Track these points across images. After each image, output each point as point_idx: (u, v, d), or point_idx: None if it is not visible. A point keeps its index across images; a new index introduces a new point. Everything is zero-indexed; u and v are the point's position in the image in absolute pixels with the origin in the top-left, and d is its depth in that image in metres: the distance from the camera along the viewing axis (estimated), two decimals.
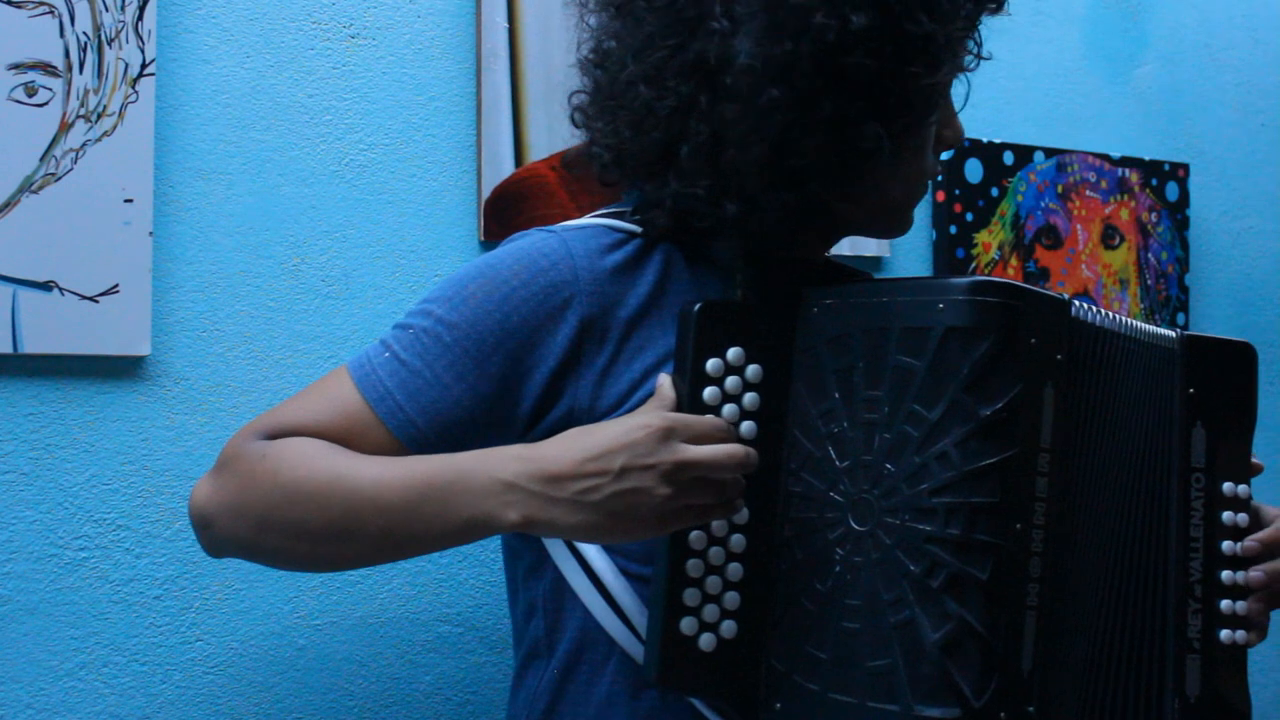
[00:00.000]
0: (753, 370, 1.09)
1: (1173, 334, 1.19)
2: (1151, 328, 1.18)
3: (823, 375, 1.10)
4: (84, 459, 1.42)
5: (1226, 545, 1.19)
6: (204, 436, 1.46)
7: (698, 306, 1.08)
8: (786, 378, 1.11)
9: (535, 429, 1.13)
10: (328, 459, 1.08)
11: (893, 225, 1.24)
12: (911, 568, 1.04)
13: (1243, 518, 1.20)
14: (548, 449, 1.05)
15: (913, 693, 1.02)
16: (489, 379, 1.12)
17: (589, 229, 1.18)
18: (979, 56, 1.20)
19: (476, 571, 1.58)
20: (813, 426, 1.10)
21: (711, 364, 1.08)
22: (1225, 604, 1.18)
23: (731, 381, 1.09)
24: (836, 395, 1.09)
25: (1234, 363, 1.22)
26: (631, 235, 1.18)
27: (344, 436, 1.11)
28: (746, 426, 1.09)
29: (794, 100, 1.07)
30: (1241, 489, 1.20)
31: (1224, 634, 1.18)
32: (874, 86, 1.08)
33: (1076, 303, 1.12)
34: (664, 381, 1.08)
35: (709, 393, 1.08)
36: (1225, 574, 1.18)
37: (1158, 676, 1.15)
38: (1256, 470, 1.23)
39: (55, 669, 1.40)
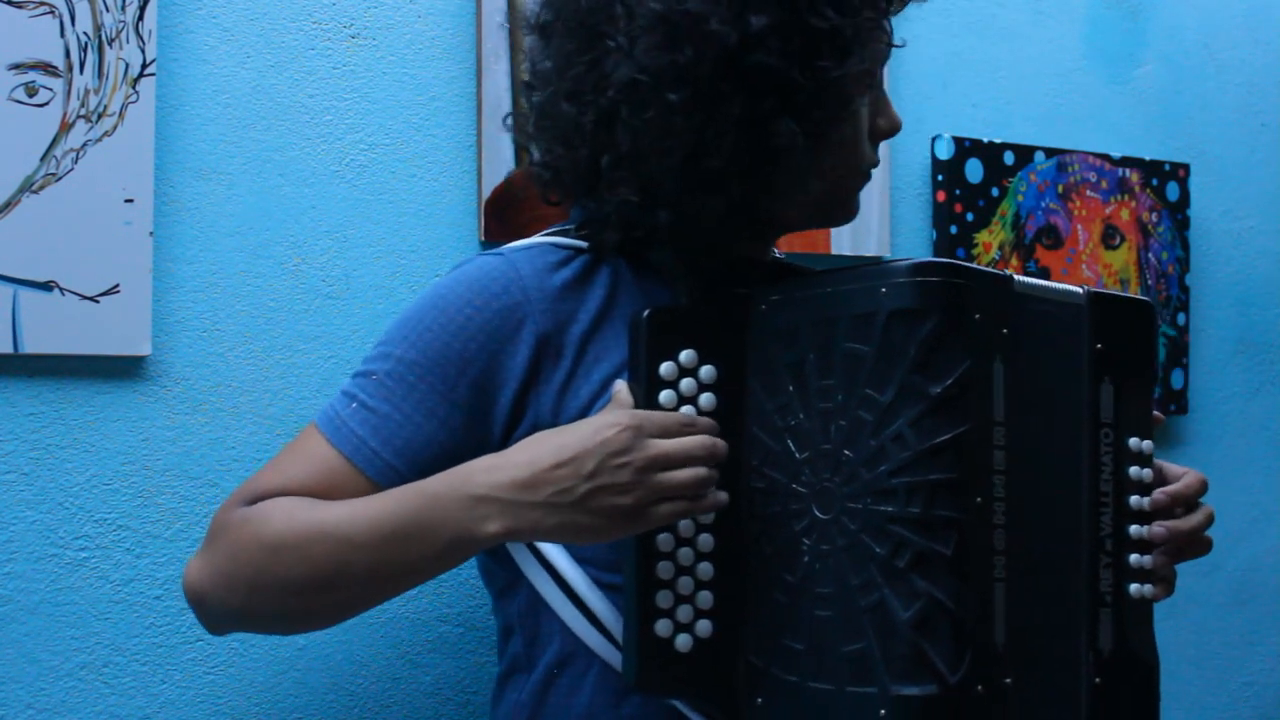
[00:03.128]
0: (706, 371, 1.10)
1: (1080, 290, 1.19)
2: (1061, 285, 1.18)
3: (776, 370, 1.11)
4: (84, 459, 1.42)
5: (1134, 500, 1.19)
6: (204, 436, 1.47)
7: (646, 313, 1.09)
8: (741, 376, 1.12)
9: (505, 448, 1.13)
10: (306, 511, 1.10)
11: (834, 216, 1.25)
12: (877, 550, 1.05)
13: (1147, 473, 1.20)
14: (516, 456, 1.06)
15: (889, 673, 1.03)
16: (458, 409, 1.13)
17: (535, 248, 1.19)
18: (890, 45, 1.20)
19: (476, 572, 1.57)
20: (770, 422, 1.11)
21: (665, 368, 1.09)
22: (1134, 558, 1.19)
23: (686, 384, 1.10)
24: (791, 389, 1.10)
25: (1137, 319, 1.22)
26: (578, 251, 1.19)
27: (326, 492, 1.12)
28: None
29: (701, 104, 1.09)
30: (1146, 444, 1.21)
31: (1133, 588, 1.18)
32: (782, 84, 1.10)
33: (1021, 278, 1.13)
34: (620, 387, 1.09)
35: (664, 396, 1.09)
36: (1133, 528, 1.19)
37: (1073, 631, 1.15)
38: (1157, 423, 1.24)
39: (56, 669, 1.40)
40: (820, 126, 1.13)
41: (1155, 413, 1.23)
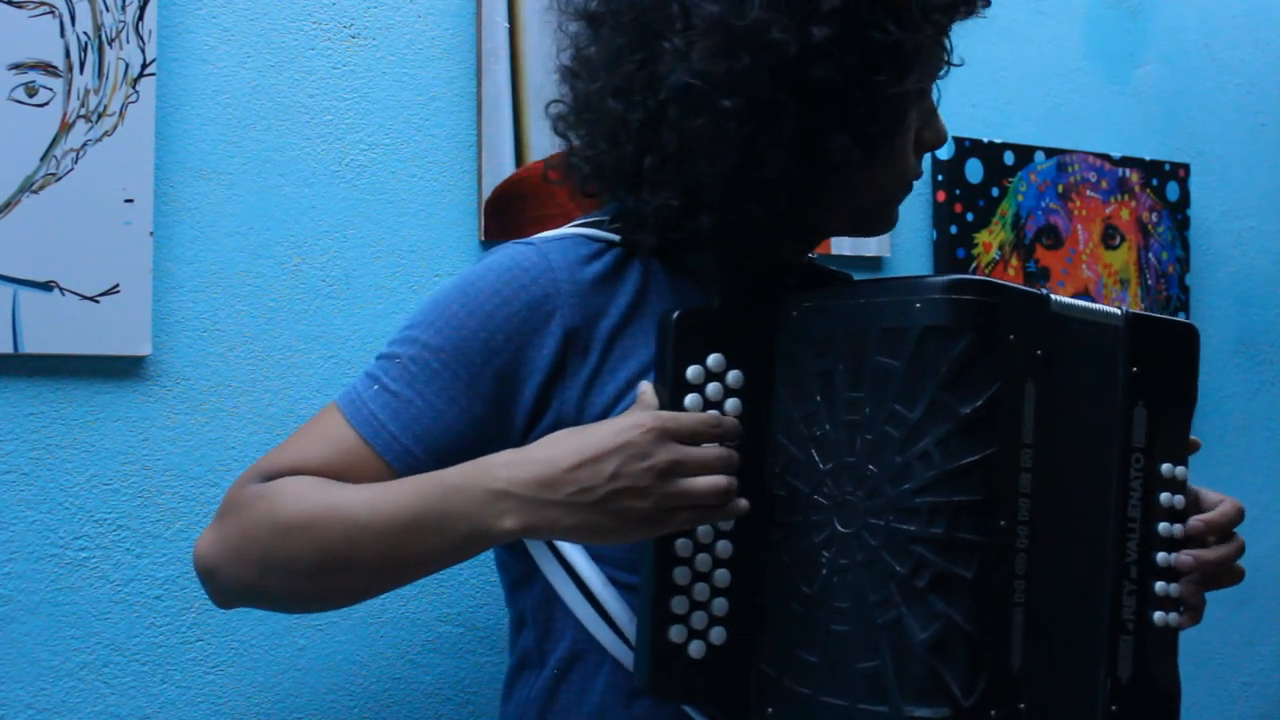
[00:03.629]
0: (733, 376, 1.09)
1: (1118, 311, 1.17)
2: (1098, 306, 1.17)
3: (804, 378, 1.10)
4: (84, 459, 1.42)
5: (1163, 527, 1.17)
6: (204, 436, 1.47)
7: (676, 314, 1.08)
8: (768, 382, 1.11)
9: (526, 441, 1.12)
10: (321, 492, 1.09)
11: (874, 226, 1.24)
12: (897, 568, 1.04)
13: (1179, 499, 1.18)
14: (537, 452, 1.04)
15: (902, 693, 1.02)
16: (481, 399, 1.12)
17: (567, 239, 1.18)
18: (949, 63, 1.18)
19: (476, 571, 1.57)
20: (795, 430, 1.10)
21: (692, 371, 1.08)
22: (1159, 586, 1.17)
23: (713, 388, 1.08)
24: (818, 398, 1.09)
25: (1177, 343, 1.20)
26: (610, 245, 1.18)
27: (342, 473, 1.11)
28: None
29: (755, 113, 1.07)
30: (1179, 470, 1.19)
31: (1157, 616, 1.17)
32: (839, 97, 1.08)
33: (1056, 297, 1.11)
34: (645, 389, 1.08)
35: (690, 400, 1.07)
36: (1160, 555, 1.17)
37: (1091, 656, 1.14)
38: (1194, 448, 1.22)
39: (56, 669, 1.40)
40: (874, 141, 1.12)
41: (1193, 438, 1.21)
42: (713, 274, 1.17)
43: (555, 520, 1.03)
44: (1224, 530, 1.21)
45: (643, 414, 1.04)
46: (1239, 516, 1.22)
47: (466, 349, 1.12)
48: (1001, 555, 1.05)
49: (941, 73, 1.19)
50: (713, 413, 1.08)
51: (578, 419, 1.12)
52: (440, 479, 1.07)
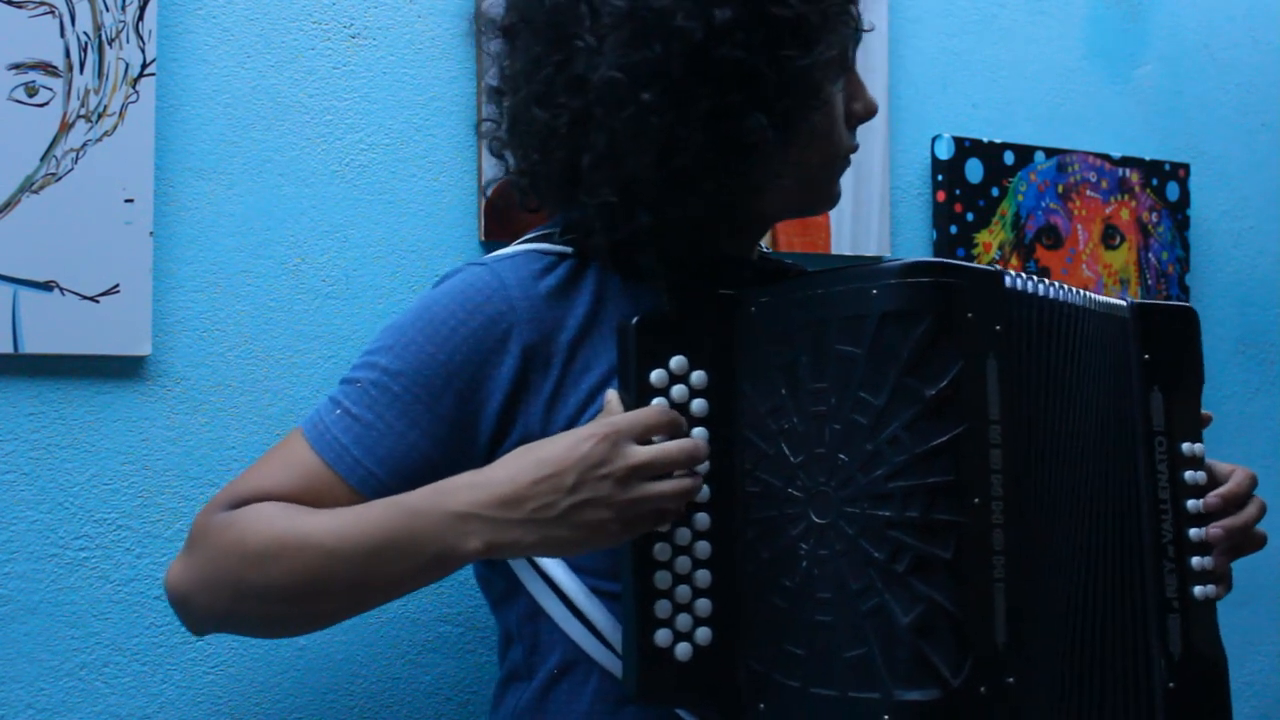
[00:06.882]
0: (697, 376, 1.10)
1: (1124, 302, 1.21)
2: (1103, 297, 1.20)
3: (768, 373, 1.11)
4: (84, 459, 1.42)
5: (1191, 504, 1.21)
6: (204, 436, 1.47)
7: (635, 320, 1.09)
8: (732, 380, 1.12)
9: (493, 459, 1.12)
10: (289, 519, 1.09)
11: (815, 205, 1.25)
12: (876, 554, 1.04)
13: (1201, 475, 1.23)
14: (497, 472, 1.05)
15: (891, 678, 1.03)
16: (443, 421, 1.12)
17: (519, 256, 1.18)
18: (859, 29, 1.19)
19: None
20: (763, 425, 1.11)
21: (655, 375, 1.08)
22: (1196, 561, 1.21)
23: (678, 390, 1.09)
24: (783, 391, 1.10)
25: (1181, 327, 1.25)
26: (562, 257, 1.18)
27: (307, 498, 1.11)
28: (697, 432, 1.10)
29: (669, 101, 1.08)
30: (1197, 448, 1.23)
31: (1197, 590, 1.20)
32: (749, 76, 1.09)
33: (1012, 274, 1.13)
34: (611, 397, 1.08)
35: (656, 404, 1.08)
36: (1193, 531, 1.21)
37: (1143, 639, 1.16)
38: (1206, 421, 1.26)
39: (55, 669, 1.40)
40: (789, 118, 1.12)
41: (1205, 411, 1.26)
42: (661, 273, 1.16)
43: (519, 538, 1.03)
44: (1241, 500, 1.25)
45: (597, 422, 1.05)
46: (1252, 484, 1.26)
47: (426, 372, 1.12)
48: (978, 533, 1.06)
49: (855, 41, 1.19)
50: (666, 407, 1.08)
51: (544, 433, 1.12)
52: (402, 504, 1.07)
